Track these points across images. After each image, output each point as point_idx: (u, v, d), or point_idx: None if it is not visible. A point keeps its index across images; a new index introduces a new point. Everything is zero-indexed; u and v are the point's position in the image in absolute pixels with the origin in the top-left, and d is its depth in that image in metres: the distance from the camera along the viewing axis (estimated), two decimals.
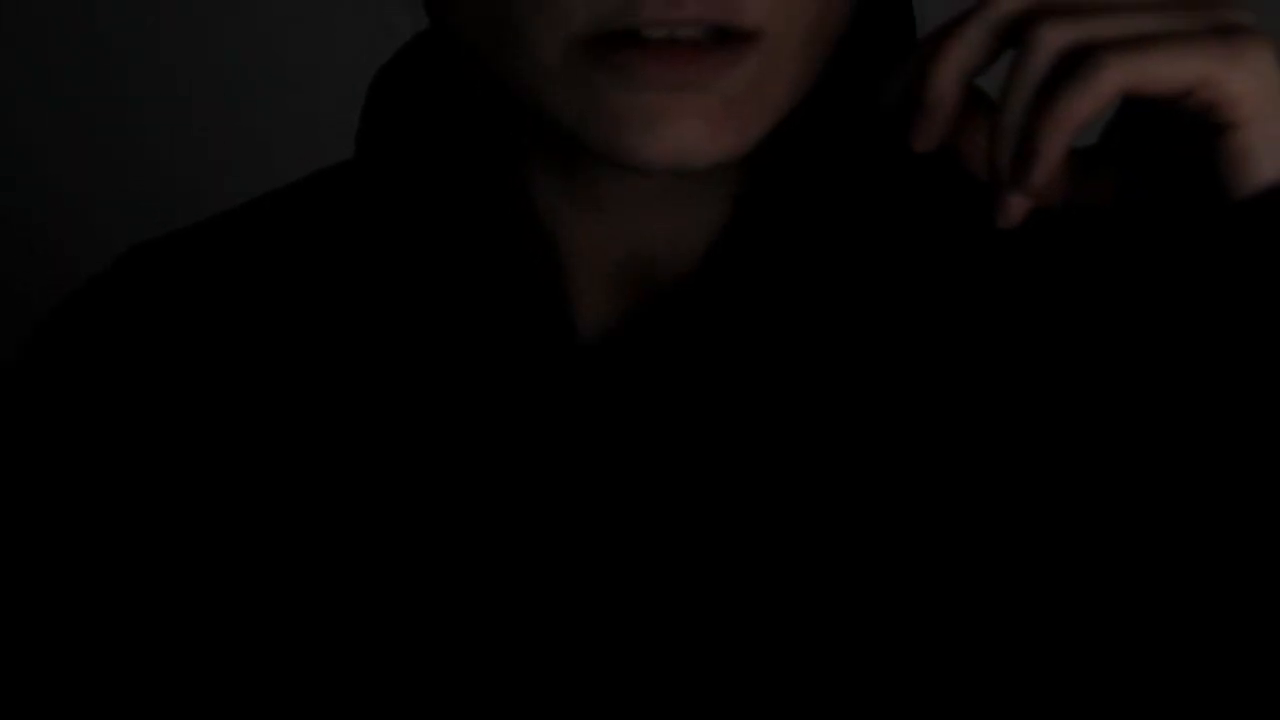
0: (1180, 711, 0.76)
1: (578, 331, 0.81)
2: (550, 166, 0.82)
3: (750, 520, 0.79)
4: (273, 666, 0.81)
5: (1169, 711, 0.77)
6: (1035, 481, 0.79)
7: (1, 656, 0.85)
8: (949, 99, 0.75)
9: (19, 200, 1.65)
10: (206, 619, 0.82)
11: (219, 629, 0.82)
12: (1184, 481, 0.76)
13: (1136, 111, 0.75)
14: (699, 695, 0.78)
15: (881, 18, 0.82)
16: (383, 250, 0.83)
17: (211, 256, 0.87)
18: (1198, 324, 0.74)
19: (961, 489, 0.79)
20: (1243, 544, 0.74)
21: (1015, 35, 0.74)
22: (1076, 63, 0.72)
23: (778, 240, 0.80)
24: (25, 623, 0.85)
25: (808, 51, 0.76)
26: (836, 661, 0.78)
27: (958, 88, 0.75)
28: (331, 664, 0.80)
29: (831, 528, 0.79)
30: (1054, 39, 0.72)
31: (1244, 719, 0.74)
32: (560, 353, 0.81)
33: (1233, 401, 0.74)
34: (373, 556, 0.80)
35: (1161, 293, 0.77)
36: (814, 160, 0.81)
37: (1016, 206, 0.75)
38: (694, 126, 0.74)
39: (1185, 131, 0.74)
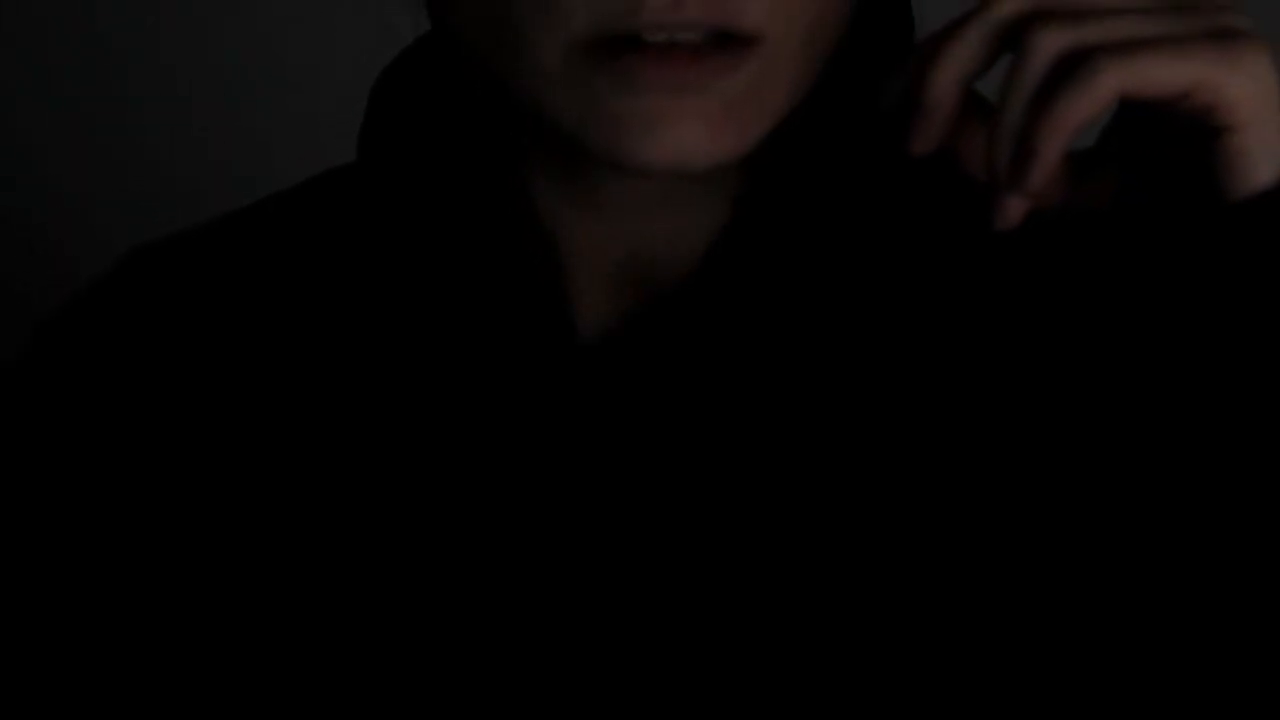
0: (1180, 711, 0.76)
1: (578, 332, 0.81)
2: (550, 168, 0.82)
3: (750, 519, 0.79)
4: (272, 666, 0.81)
5: (1169, 711, 0.77)
6: (1034, 482, 0.79)
7: (2, 657, 0.86)
8: (947, 102, 0.75)
9: (19, 200, 1.65)
10: (207, 619, 0.82)
11: (219, 629, 0.82)
12: (1182, 481, 0.76)
13: (1134, 114, 0.76)
14: (699, 695, 0.78)
15: (880, 20, 0.82)
16: (384, 252, 0.84)
17: (214, 259, 0.88)
18: (1194, 325, 0.74)
19: (960, 489, 0.79)
20: (1242, 543, 0.74)
21: (1013, 39, 0.74)
22: (1074, 66, 0.72)
23: (777, 241, 0.81)
24: (26, 625, 0.85)
25: (807, 54, 0.77)
26: (836, 661, 0.78)
27: (956, 91, 0.75)
28: (331, 664, 0.80)
29: (831, 527, 0.79)
30: (1051, 43, 0.73)
31: (1244, 719, 0.74)
32: (560, 353, 0.81)
33: (1229, 400, 0.74)
34: (374, 557, 0.81)
35: (1158, 294, 0.78)
36: (813, 162, 0.81)
37: (1014, 208, 0.75)
38: (693, 129, 0.75)
39: (1182, 134, 0.74)
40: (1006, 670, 0.78)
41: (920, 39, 0.78)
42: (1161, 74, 0.72)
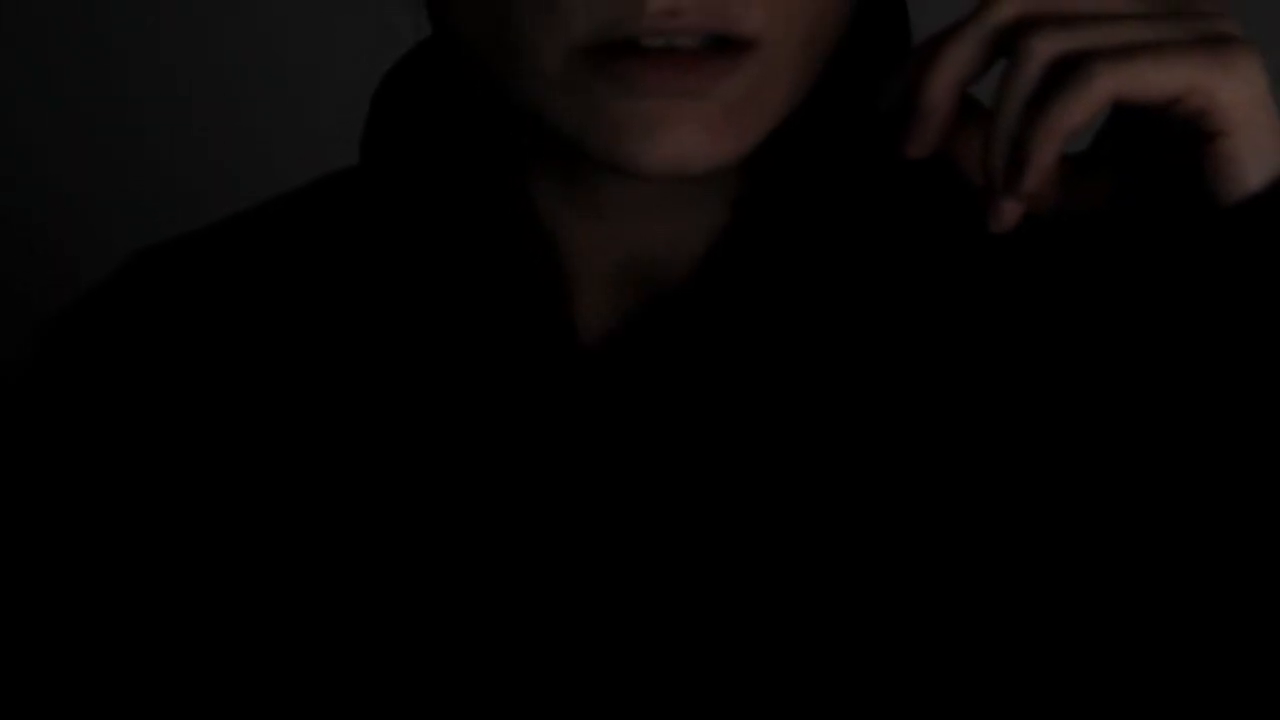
0: (1180, 711, 0.77)
1: (578, 333, 0.82)
2: (551, 171, 0.82)
3: (750, 521, 0.79)
4: (273, 666, 0.81)
5: (1169, 711, 0.77)
6: (1031, 484, 0.80)
7: (8, 658, 0.86)
8: (943, 106, 0.75)
9: (19, 200, 1.65)
10: (209, 619, 0.83)
11: (221, 628, 0.82)
12: (1174, 480, 0.77)
13: (1127, 119, 0.76)
14: (699, 696, 0.78)
15: (877, 24, 0.83)
16: (386, 255, 0.84)
17: (218, 261, 0.88)
18: (1186, 328, 0.75)
19: (959, 490, 0.80)
20: (1240, 544, 0.74)
21: (1008, 44, 0.74)
22: (1068, 71, 0.73)
23: (776, 244, 0.81)
24: (32, 626, 0.86)
25: (805, 58, 0.77)
26: (836, 662, 0.78)
27: (951, 96, 0.75)
28: (331, 664, 0.81)
29: (831, 529, 0.79)
30: (1046, 48, 0.73)
31: (1244, 719, 0.75)
32: (561, 355, 0.81)
33: (1223, 402, 0.74)
34: (377, 558, 0.81)
35: (1151, 297, 0.78)
36: (812, 164, 0.81)
37: (1010, 211, 0.76)
38: (693, 133, 0.75)
39: (1175, 139, 0.74)
40: (1006, 670, 0.78)
41: (917, 43, 0.78)
42: (1155, 79, 0.72)
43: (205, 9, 1.62)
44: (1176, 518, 0.76)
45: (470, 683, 0.80)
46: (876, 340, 0.81)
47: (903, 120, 0.76)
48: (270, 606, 0.82)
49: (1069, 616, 0.79)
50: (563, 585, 0.80)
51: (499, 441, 0.81)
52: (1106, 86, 0.72)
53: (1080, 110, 0.73)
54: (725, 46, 0.75)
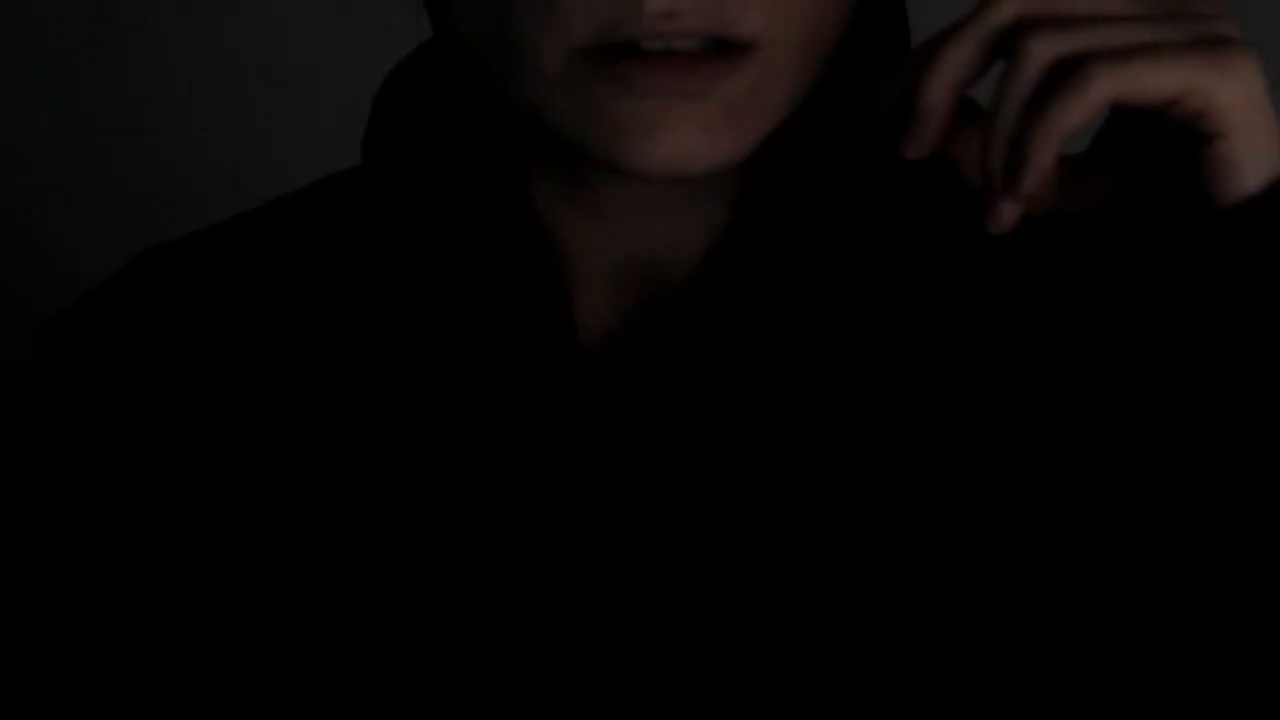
0: (1180, 711, 0.77)
1: (578, 334, 0.82)
2: (551, 172, 0.83)
3: (750, 521, 0.80)
4: (274, 666, 0.82)
5: (1169, 711, 0.78)
6: (1029, 483, 0.80)
7: (12, 658, 0.86)
8: (941, 108, 0.76)
9: (19, 200, 1.65)
10: (212, 619, 0.83)
11: (223, 629, 0.83)
12: (1172, 480, 0.77)
13: (1125, 120, 0.76)
14: (699, 696, 0.79)
15: (876, 25, 0.83)
16: (388, 255, 0.84)
17: (222, 262, 0.88)
18: (1184, 329, 0.75)
19: (958, 491, 0.80)
20: (1237, 544, 0.75)
21: (1007, 46, 0.74)
22: (1066, 73, 0.73)
23: (776, 244, 0.81)
24: (34, 626, 0.86)
25: (804, 60, 0.77)
26: (836, 662, 0.78)
27: (950, 97, 0.75)
28: (332, 664, 0.81)
29: (831, 529, 0.79)
30: (1044, 50, 0.73)
31: (1244, 719, 0.75)
32: (561, 355, 0.81)
33: (1220, 402, 0.74)
34: (379, 559, 0.81)
35: (1149, 298, 0.78)
36: (811, 165, 0.82)
37: (1008, 212, 0.76)
38: (692, 134, 0.76)
39: (1173, 140, 0.74)
40: (1006, 670, 0.79)
41: (916, 44, 0.78)
42: (1153, 80, 0.73)
43: (205, 9, 1.62)
44: (1175, 518, 0.76)
45: (470, 682, 0.80)
46: (876, 340, 0.82)
47: (902, 121, 0.77)
48: (271, 606, 0.82)
49: (1068, 616, 0.79)
50: (562, 584, 0.80)
51: (499, 441, 0.81)
52: (1104, 88, 0.73)
53: (1078, 112, 0.73)
54: (724, 49, 0.75)
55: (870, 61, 0.82)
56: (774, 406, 0.81)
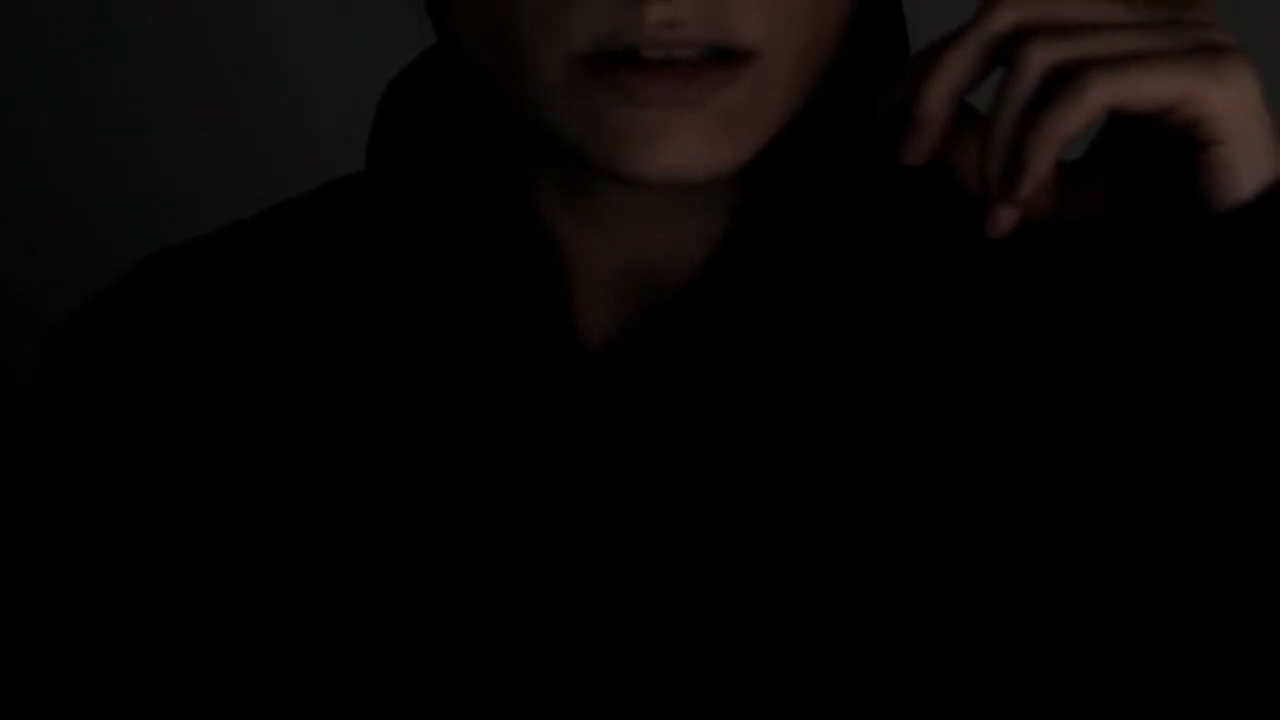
0: (1180, 711, 0.77)
1: (580, 339, 0.82)
2: (552, 178, 0.83)
3: (749, 523, 0.80)
4: (277, 666, 0.82)
5: (1169, 711, 0.78)
6: (1028, 488, 0.80)
7: (16, 658, 0.86)
8: (940, 115, 0.76)
9: (19, 200, 1.65)
10: (218, 620, 0.83)
11: (230, 629, 0.83)
12: (1169, 483, 0.77)
13: (1122, 127, 0.77)
14: (699, 696, 0.79)
15: (875, 33, 0.83)
16: (391, 261, 0.85)
17: (227, 266, 0.88)
18: (1180, 334, 0.75)
19: (957, 493, 0.80)
20: (1233, 546, 0.75)
21: (1005, 53, 0.75)
22: (1064, 80, 0.73)
23: (776, 250, 0.82)
24: (41, 627, 0.86)
25: (803, 68, 0.78)
26: (836, 662, 0.79)
27: (949, 104, 0.76)
28: (333, 663, 0.81)
29: (830, 531, 0.80)
30: (1042, 57, 0.74)
31: (1244, 719, 0.75)
32: (562, 360, 0.82)
33: (1216, 406, 0.75)
34: (381, 560, 0.81)
35: (1145, 302, 0.79)
36: (811, 172, 0.82)
37: (1006, 218, 0.76)
38: (692, 142, 0.76)
39: (1169, 146, 0.75)
40: (1006, 670, 0.79)
41: (915, 52, 0.79)
42: (1149, 88, 0.73)
43: (205, 9, 1.62)
44: (1172, 520, 0.77)
45: (471, 682, 0.80)
46: (874, 345, 0.82)
47: (901, 128, 0.77)
48: (275, 606, 0.82)
49: (1066, 617, 0.79)
50: (563, 586, 0.80)
51: (501, 445, 0.82)
52: (1102, 95, 0.73)
53: (1076, 118, 0.73)
54: (724, 57, 0.76)
55: (869, 68, 0.82)
56: (773, 411, 0.81)
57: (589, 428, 0.81)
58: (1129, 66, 0.73)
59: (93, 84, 1.63)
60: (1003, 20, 0.75)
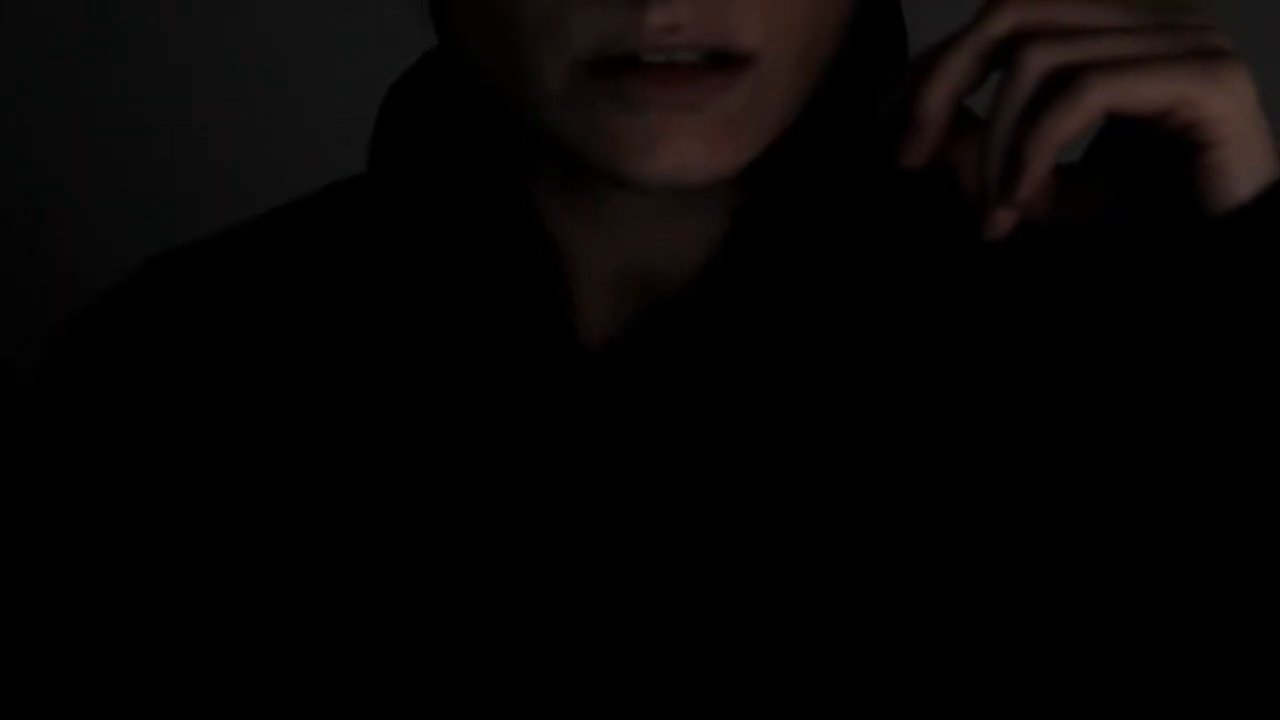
0: (1180, 711, 0.78)
1: (580, 340, 0.83)
2: (553, 181, 0.83)
3: (749, 524, 0.80)
4: (279, 666, 0.82)
5: (1169, 711, 0.78)
6: (1026, 489, 0.81)
7: (18, 657, 0.87)
8: (939, 118, 0.76)
9: (19, 200, 1.65)
10: (221, 619, 0.83)
11: (233, 628, 0.83)
12: (1166, 484, 0.78)
13: (1119, 130, 0.77)
14: (699, 696, 0.79)
15: (874, 36, 0.84)
16: (393, 262, 0.85)
17: (230, 267, 0.88)
18: (1177, 335, 0.76)
19: (955, 494, 0.81)
20: (1229, 547, 0.75)
21: (1004, 57, 0.75)
22: (1062, 83, 0.74)
23: (775, 252, 0.82)
24: (44, 625, 0.86)
25: (802, 71, 0.78)
26: (836, 662, 0.79)
27: (948, 107, 0.76)
28: (335, 664, 0.81)
29: (830, 532, 0.80)
30: (1040, 61, 0.74)
31: (1244, 719, 0.76)
32: (563, 360, 0.82)
33: (1213, 407, 0.75)
34: (383, 561, 0.82)
35: (1142, 304, 0.79)
36: (810, 174, 0.82)
37: (1004, 220, 0.77)
38: (692, 146, 0.76)
39: (1166, 150, 0.75)
40: (1006, 670, 0.79)
41: (914, 55, 0.79)
42: (1146, 91, 0.73)
43: (205, 9, 1.62)
44: (1169, 522, 0.77)
45: (471, 682, 0.80)
46: (873, 346, 0.82)
47: (900, 131, 0.77)
48: (279, 606, 0.83)
49: (1065, 617, 0.80)
50: (563, 585, 0.81)
51: (501, 445, 0.82)
52: (1099, 99, 0.73)
53: (1073, 122, 0.74)
54: (724, 61, 0.76)
55: (868, 71, 0.83)
56: (773, 412, 0.81)
57: (589, 428, 0.81)
58: (1126, 70, 0.73)
59: (93, 84, 1.63)
60: (1001, 24, 0.75)
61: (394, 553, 0.82)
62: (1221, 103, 0.73)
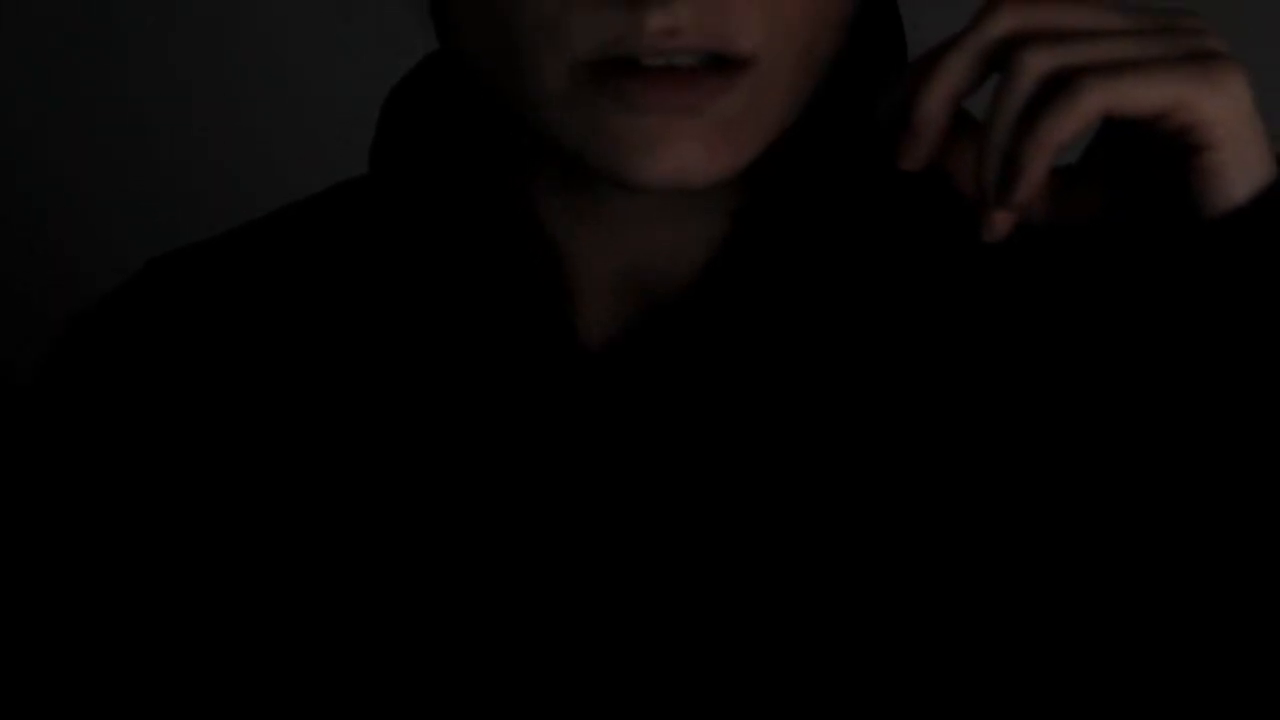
0: (1180, 711, 0.78)
1: (581, 340, 0.83)
2: (554, 182, 0.83)
3: (749, 524, 0.80)
4: (279, 666, 0.82)
5: (1169, 711, 0.78)
6: (1024, 490, 0.81)
7: (19, 658, 0.87)
8: (937, 121, 0.77)
9: (19, 200, 1.65)
10: (223, 619, 0.84)
11: (235, 628, 0.83)
12: (1163, 485, 0.78)
13: (1116, 132, 0.77)
14: (699, 696, 0.79)
15: (873, 38, 0.84)
16: (394, 263, 0.85)
17: (233, 269, 0.89)
18: (1174, 337, 0.76)
19: (954, 493, 0.81)
20: (1227, 548, 0.75)
21: (1001, 59, 0.75)
22: (1059, 86, 0.74)
23: (775, 253, 0.82)
24: (46, 624, 0.87)
25: (801, 74, 0.78)
26: (836, 662, 0.79)
27: (946, 110, 0.76)
28: (335, 664, 0.82)
29: (829, 532, 0.80)
30: (1038, 64, 0.74)
31: (1244, 719, 0.76)
32: (564, 360, 0.82)
33: (1210, 408, 0.75)
34: (384, 559, 0.82)
35: (1139, 306, 0.79)
36: (809, 176, 0.83)
37: (1002, 222, 0.77)
38: (692, 148, 0.76)
39: (1162, 152, 0.75)
40: (1006, 670, 0.79)
41: (913, 57, 0.79)
42: (1143, 94, 0.74)
43: (206, 9, 1.62)
44: (1169, 522, 0.77)
45: (471, 682, 0.81)
46: (872, 347, 0.83)
47: (898, 133, 0.78)
48: (279, 606, 0.83)
49: (1063, 617, 0.80)
50: (562, 585, 0.81)
51: (502, 445, 0.82)
52: (1096, 101, 0.74)
53: (1071, 124, 0.74)
54: (723, 65, 0.76)
55: (867, 74, 0.83)
56: (773, 413, 0.81)
57: (589, 428, 0.82)
58: (1123, 73, 0.74)
59: (93, 84, 1.63)
60: (999, 26, 0.75)
61: (395, 552, 0.82)
62: (1218, 105, 0.74)
